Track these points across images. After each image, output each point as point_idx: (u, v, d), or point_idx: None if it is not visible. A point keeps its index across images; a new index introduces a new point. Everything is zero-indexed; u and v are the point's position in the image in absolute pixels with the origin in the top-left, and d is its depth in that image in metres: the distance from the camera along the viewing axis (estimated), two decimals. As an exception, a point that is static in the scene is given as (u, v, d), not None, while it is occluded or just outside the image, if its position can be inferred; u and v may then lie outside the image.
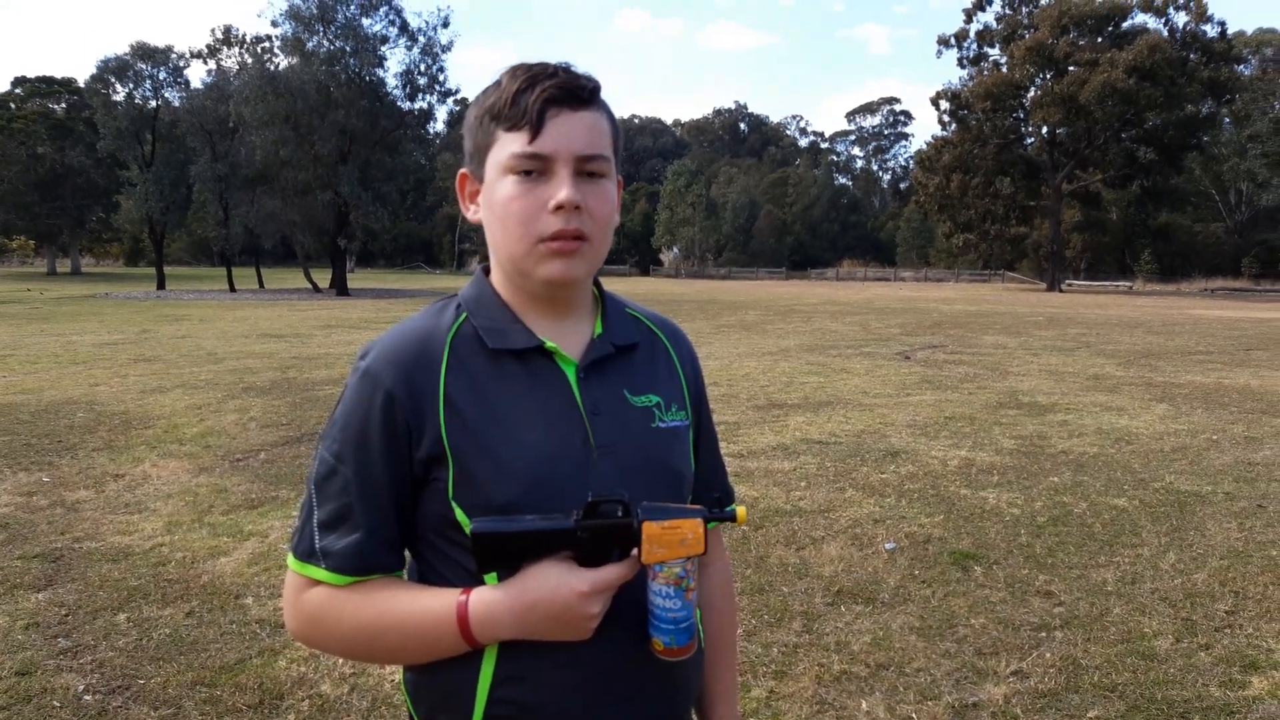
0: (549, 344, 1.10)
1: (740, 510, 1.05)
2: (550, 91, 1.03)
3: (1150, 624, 3.83)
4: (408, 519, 1.09)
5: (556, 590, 0.99)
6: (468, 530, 1.01)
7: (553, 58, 1.10)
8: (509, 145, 1.04)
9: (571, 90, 1.04)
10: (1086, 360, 13.63)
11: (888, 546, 4.79)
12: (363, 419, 1.06)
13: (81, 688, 3.25)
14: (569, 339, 1.13)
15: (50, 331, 17.35)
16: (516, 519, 1.00)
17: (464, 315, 1.12)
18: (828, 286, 52.10)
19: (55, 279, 51.77)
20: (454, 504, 1.04)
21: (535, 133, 1.02)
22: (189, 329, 18.37)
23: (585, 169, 1.05)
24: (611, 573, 1.00)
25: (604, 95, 1.10)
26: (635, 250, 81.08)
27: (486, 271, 1.17)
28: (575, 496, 1.00)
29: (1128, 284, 52.46)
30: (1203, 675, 3.37)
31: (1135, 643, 3.64)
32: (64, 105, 59.46)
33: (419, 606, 1.04)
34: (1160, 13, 47.18)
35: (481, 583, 1.04)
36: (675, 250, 76.44)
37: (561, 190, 1.03)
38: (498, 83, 1.07)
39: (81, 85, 50.86)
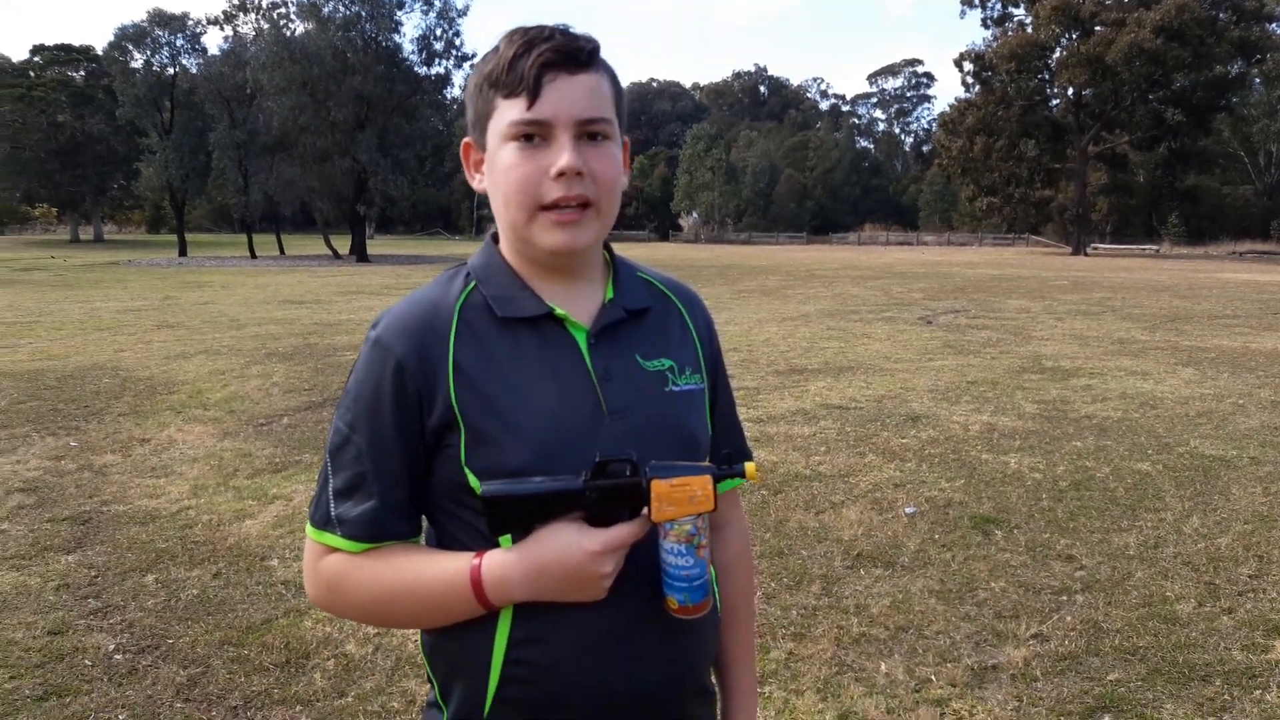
0: (558, 310, 1.09)
1: (750, 466, 1.05)
2: (547, 55, 1.01)
3: (1172, 588, 3.82)
4: (422, 486, 1.10)
5: (567, 550, 0.99)
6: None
7: (570, 20, 1.07)
8: (508, 113, 1.03)
9: (569, 53, 1.02)
10: (1111, 324, 13.49)
11: (908, 511, 4.79)
12: (374, 388, 1.06)
13: (112, 647, 3.31)
14: (579, 305, 1.12)
15: (75, 298, 17.53)
16: (525, 481, 1.00)
17: (473, 284, 1.12)
18: (849, 251, 51.72)
19: (78, 246, 52.19)
20: (466, 469, 1.05)
21: (533, 98, 1.01)
22: (211, 295, 18.50)
23: (587, 131, 1.04)
24: (622, 531, 1.00)
25: (614, 58, 1.08)
26: (654, 215, 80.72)
27: (496, 239, 1.16)
28: (587, 460, 1.00)
29: (1154, 247, 51.76)
30: (1225, 639, 3.36)
31: (1157, 606, 3.64)
32: (83, 73, 59.63)
33: (433, 571, 1.05)
34: (1190, -31, 46.09)
35: (496, 546, 1.05)
36: (695, 215, 76.10)
37: (563, 156, 1.01)
38: (496, 48, 1.06)
39: (100, 53, 50.95)
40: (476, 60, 1.12)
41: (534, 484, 0.99)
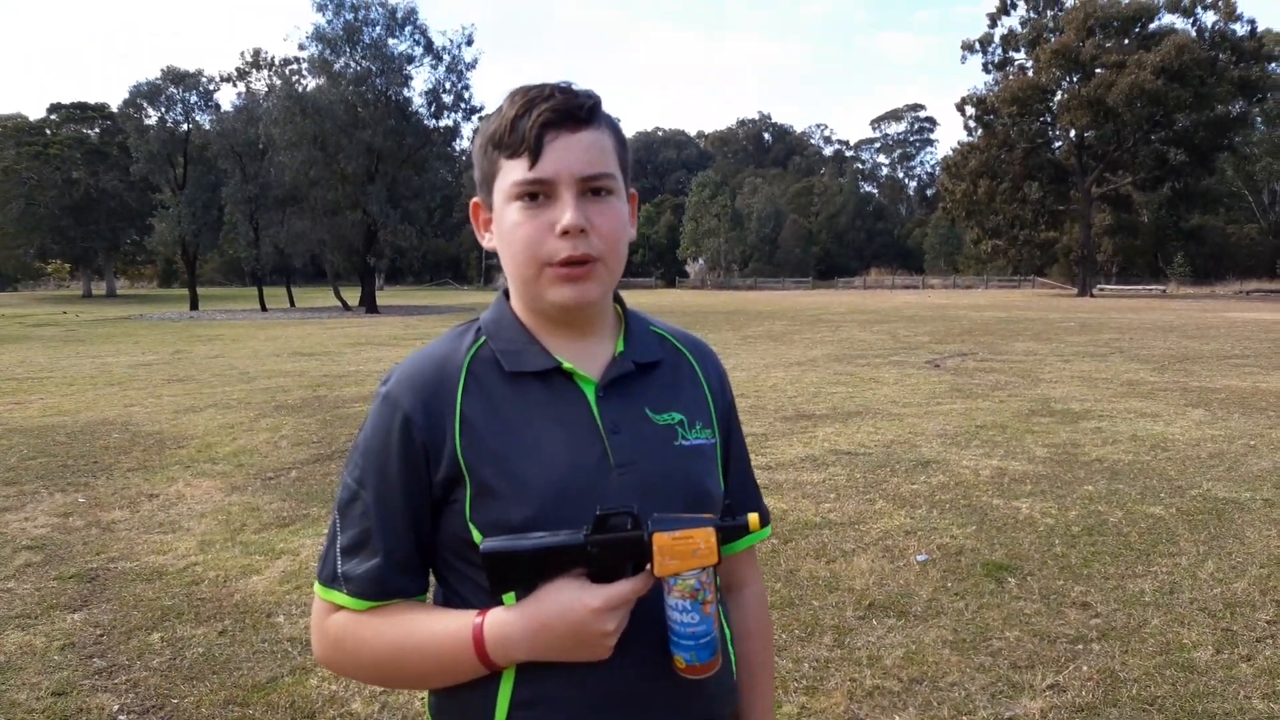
0: (566, 364, 1.10)
1: (752, 517, 1.03)
2: (547, 115, 1.02)
3: (1189, 635, 3.76)
4: (429, 543, 1.10)
5: (569, 607, 0.97)
6: None
7: (575, 73, 1.10)
8: (511, 173, 1.05)
9: (568, 111, 1.04)
10: (1120, 366, 13.45)
11: (919, 558, 4.74)
12: (382, 443, 1.07)
13: (116, 708, 3.28)
14: (589, 358, 1.13)
15: (86, 353, 17.64)
16: (525, 536, 0.99)
17: (483, 339, 1.13)
18: (855, 295, 51.85)
19: (90, 301, 52.69)
20: (471, 524, 1.04)
21: (535, 158, 1.02)
22: (221, 349, 18.60)
23: (590, 188, 1.05)
24: (625, 587, 0.98)
25: (620, 108, 1.11)
26: (661, 262, 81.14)
27: (507, 295, 1.17)
28: (593, 514, 0.99)
29: (1161, 287, 51.77)
30: (1244, 687, 3.30)
31: (1174, 654, 3.58)
32: (98, 130, 60.67)
33: (436, 630, 1.04)
34: (1188, 13, 46.63)
35: (500, 604, 1.04)
36: (701, 261, 76.44)
37: (565, 214, 1.03)
38: (499, 109, 1.07)
39: (114, 110, 51.82)
40: (485, 114, 1.14)
41: (534, 539, 0.98)
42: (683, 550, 0.97)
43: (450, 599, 1.10)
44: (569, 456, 1.06)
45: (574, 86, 1.07)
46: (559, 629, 0.98)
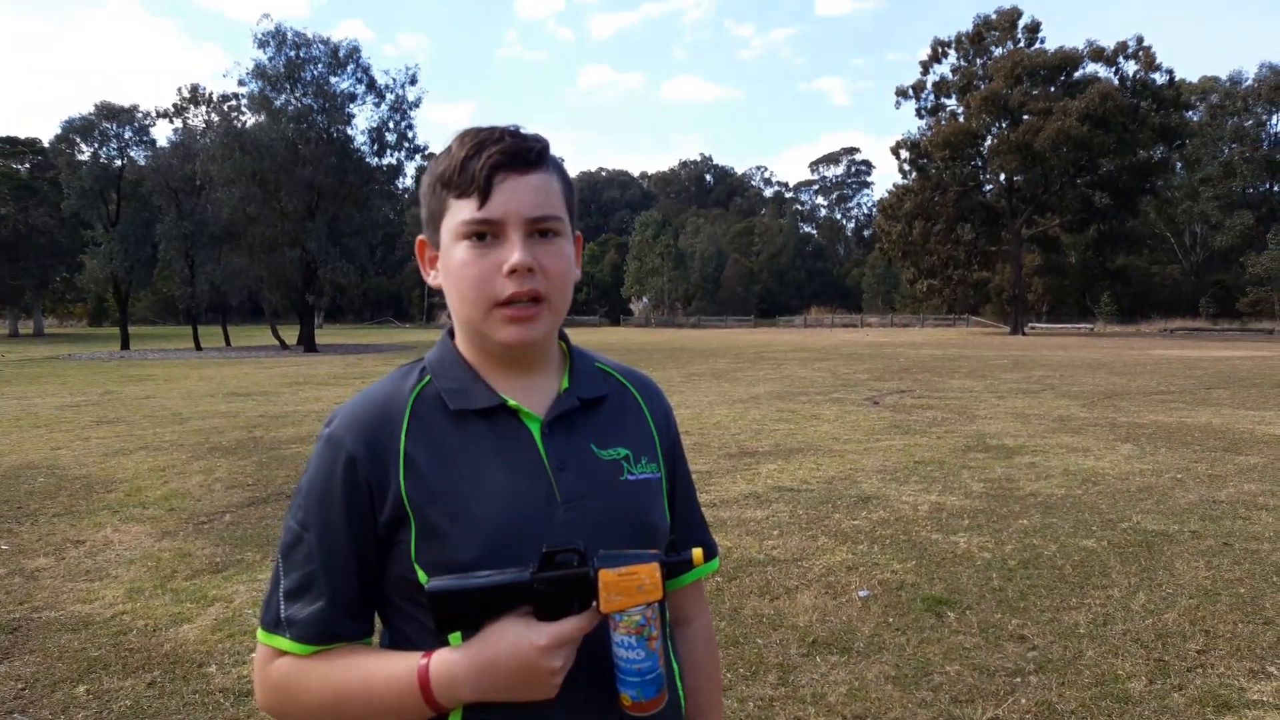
0: (511, 402, 1.11)
1: (697, 552, 1.03)
2: (496, 157, 1.04)
3: (1123, 666, 3.84)
4: (374, 585, 1.09)
5: (516, 646, 0.97)
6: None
7: (518, 113, 1.13)
8: (460, 212, 1.06)
9: (518, 154, 1.05)
10: (1051, 402, 13.80)
11: (861, 594, 4.78)
12: (325, 484, 1.06)
13: (38, 764, 3.14)
14: (534, 395, 1.13)
15: (10, 395, 17.05)
16: (470, 575, 0.99)
17: (427, 378, 1.13)
18: (796, 333, 52.49)
19: (17, 341, 50.97)
20: (416, 565, 1.04)
21: (484, 198, 1.04)
22: (153, 389, 18.12)
23: (538, 229, 1.07)
24: (571, 624, 0.98)
25: (563, 148, 1.13)
26: (605, 300, 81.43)
27: (452, 334, 1.18)
28: (540, 551, 0.99)
29: (1089, 326, 53.35)
30: (1177, 716, 3.38)
31: (1109, 685, 3.65)
32: (28, 165, 59.07)
33: (381, 673, 1.03)
34: (1110, 62, 48.68)
35: (445, 644, 1.03)
36: (645, 300, 76.86)
37: (514, 254, 1.04)
38: (448, 149, 1.09)
39: (46, 145, 50.60)
40: (429, 152, 1.16)
41: (480, 578, 0.98)
42: (628, 586, 0.97)
43: (397, 641, 1.09)
44: (515, 494, 1.06)
45: (523, 130, 1.09)
46: (505, 667, 0.97)
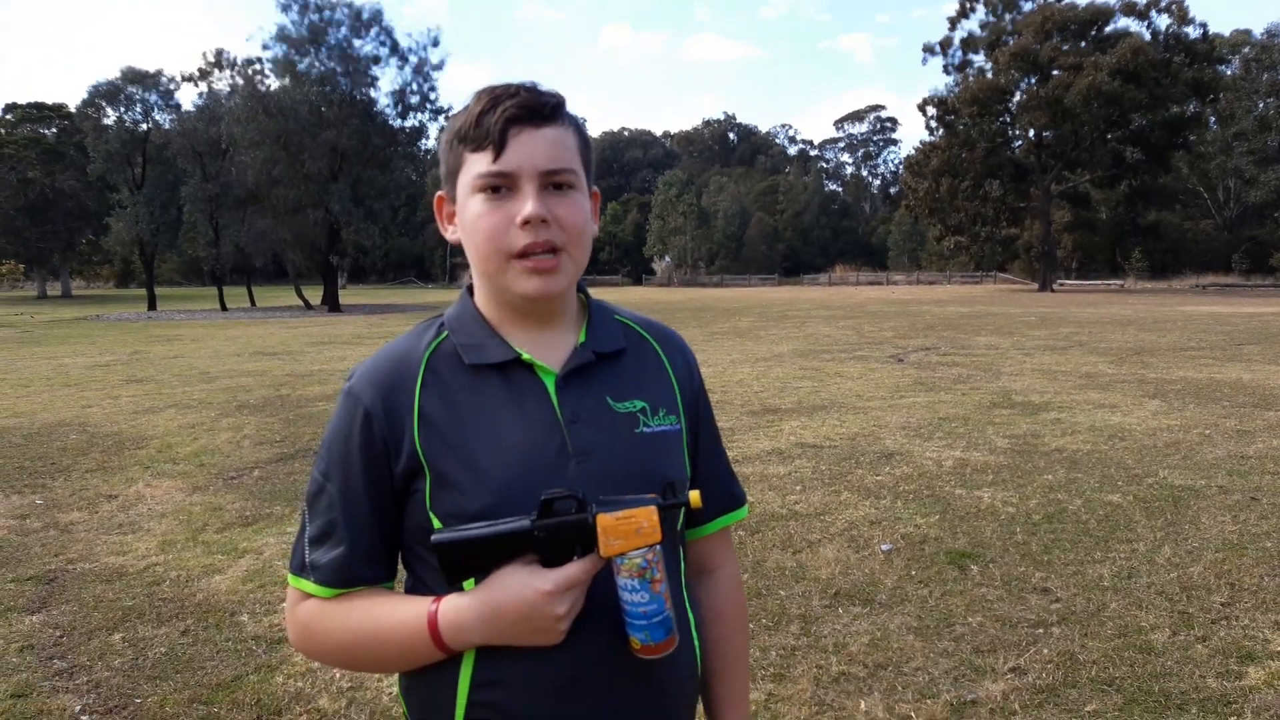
0: (525, 356, 1.12)
1: (694, 495, 1.04)
2: (511, 110, 1.05)
3: (1147, 618, 3.83)
4: (394, 533, 1.12)
5: (520, 593, 1.00)
6: None
7: (538, 74, 1.12)
8: (475, 166, 1.07)
9: (533, 108, 1.06)
10: (1079, 359, 13.67)
11: (884, 548, 4.79)
12: (344, 438, 1.10)
13: (78, 708, 3.23)
14: (551, 349, 1.14)
15: (42, 355, 17.31)
16: (474, 526, 1.01)
17: (445, 334, 1.15)
18: (820, 291, 52.18)
19: (46, 302, 51.67)
20: (431, 514, 1.07)
21: (499, 152, 1.05)
22: (181, 349, 18.33)
23: (552, 182, 1.07)
24: (574, 570, 1.00)
25: (585, 108, 1.14)
26: (627, 260, 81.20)
27: (471, 290, 1.19)
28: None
29: (1119, 282, 52.65)
30: (1200, 667, 3.38)
31: (1132, 637, 3.65)
32: (55, 130, 59.51)
33: (395, 616, 1.07)
34: (1142, 15, 47.48)
35: (460, 590, 1.06)
36: (667, 259, 76.57)
37: (527, 205, 1.05)
38: (465, 106, 1.10)
39: (73, 110, 50.84)
40: (453, 112, 1.16)
41: (481, 528, 1.00)
42: (626, 530, 0.98)
43: (417, 586, 1.13)
44: (527, 447, 1.07)
45: (539, 86, 1.10)
46: (511, 614, 1.00)
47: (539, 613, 0.99)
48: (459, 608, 1.03)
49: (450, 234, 1.16)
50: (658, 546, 1.00)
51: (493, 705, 1.06)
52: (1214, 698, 3.15)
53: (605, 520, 0.98)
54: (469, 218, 1.08)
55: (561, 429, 1.09)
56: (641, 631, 1.02)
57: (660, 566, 1.01)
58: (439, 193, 1.17)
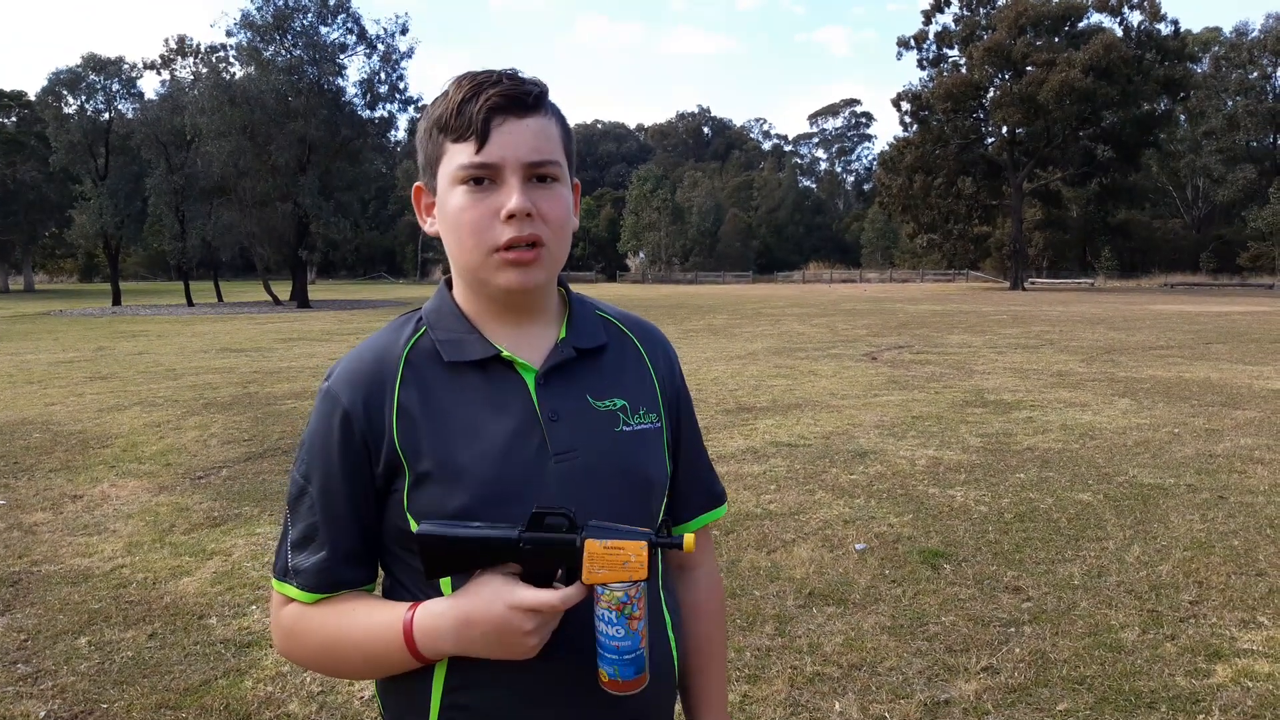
0: (505, 353, 1.09)
1: (688, 539, 0.98)
2: (494, 100, 1.02)
3: (1116, 616, 3.87)
4: (375, 534, 1.10)
5: (491, 605, 0.97)
6: None
7: (514, 61, 1.09)
8: (457, 156, 1.04)
9: (516, 97, 1.03)
10: (1050, 357, 13.80)
11: (858, 547, 4.81)
12: (324, 438, 1.08)
13: (43, 714, 3.17)
14: (531, 345, 1.12)
15: (3, 351, 17.00)
16: (461, 524, 0.99)
17: (423, 329, 1.12)
18: (794, 289, 52.40)
19: (8, 297, 50.78)
20: (408, 513, 1.05)
21: (482, 142, 1.02)
22: (146, 345, 18.07)
23: (535, 174, 1.04)
24: (549, 596, 0.96)
25: (560, 100, 1.10)
26: (601, 256, 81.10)
27: (450, 284, 1.16)
28: (529, 503, 0.99)
29: (1089, 281, 53.26)
30: (1169, 665, 3.41)
31: (1102, 635, 3.68)
32: (14, 120, 58.29)
33: (372, 622, 1.05)
34: (1115, 12, 48.08)
35: (437, 593, 1.04)
36: (641, 255, 76.54)
37: (512, 198, 1.02)
38: (445, 93, 1.06)
39: (32, 99, 49.90)
40: (421, 104, 1.13)
41: (470, 528, 0.98)
42: (612, 561, 0.95)
43: (394, 588, 1.12)
44: (506, 445, 1.05)
45: (521, 73, 1.07)
46: (482, 624, 0.98)
47: (509, 628, 0.97)
48: (434, 614, 1.00)
49: (429, 226, 1.13)
50: (642, 584, 0.97)
51: (467, 708, 1.06)
52: (1183, 696, 3.18)
53: (593, 547, 0.95)
54: (450, 210, 1.05)
55: (541, 427, 1.07)
56: (611, 665, 0.98)
57: (642, 604, 0.98)
58: (416, 184, 1.14)
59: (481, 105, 1.01)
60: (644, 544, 0.96)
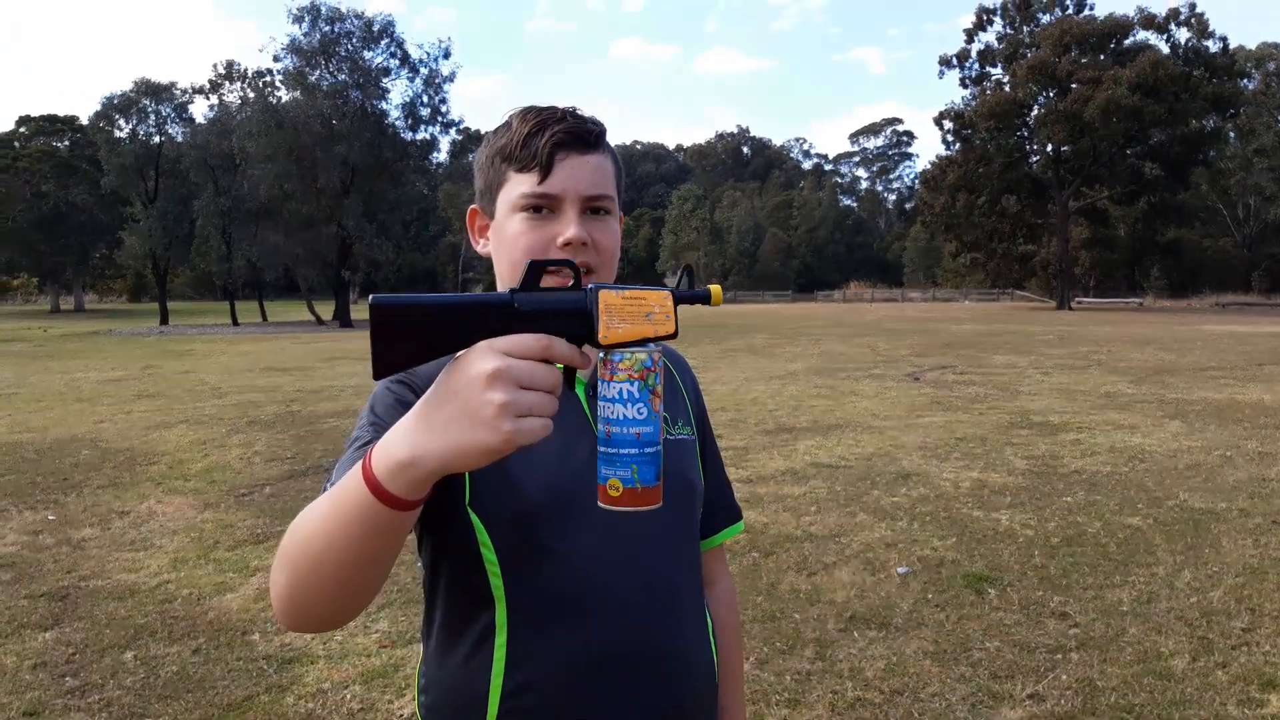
0: (560, 366, 1.10)
1: (715, 289, 0.86)
2: (559, 136, 1.08)
3: (1166, 644, 3.77)
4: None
5: (453, 366, 0.78)
6: (483, 539, 1.04)
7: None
8: (520, 185, 1.10)
9: (579, 135, 1.10)
10: (1098, 378, 13.56)
11: (900, 571, 4.74)
12: (395, 399, 1.06)
13: (87, 728, 3.22)
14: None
15: (54, 369, 17.42)
16: (445, 295, 0.78)
17: None
18: (835, 308, 52.05)
19: (59, 316, 52.07)
20: (470, 510, 1.06)
21: (545, 174, 1.08)
22: (192, 364, 18.42)
23: (591, 206, 1.10)
24: (530, 338, 0.77)
25: (607, 128, 1.17)
26: (640, 276, 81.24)
27: None
28: (589, 505, 0.91)
29: (1138, 300, 52.28)
30: (1220, 694, 3.32)
31: (1152, 663, 3.59)
32: (67, 143, 59.94)
33: (343, 480, 0.85)
34: (1162, 29, 47.31)
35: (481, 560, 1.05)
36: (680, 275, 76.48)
37: (570, 228, 1.08)
38: (508, 124, 1.13)
39: (85, 123, 51.29)
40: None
41: (450, 296, 0.78)
42: (633, 312, 0.79)
43: (438, 560, 1.10)
44: (561, 453, 1.09)
45: (580, 112, 1.14)
46: (435, 397, 0.78)
47: (468, 384, 0.75)
48: (393, 427, 0.82)
49: (481, 247, 1.19)
50: (662, 356, 0.82)
51: (529, 687, 1.05)
52: (1238, 728, 3.09)
53: (609, 297, 0.78)
54: (508, 234, 1.11)
55: (593, 432, 1.09)
56: (627, 466, 0.78)
57: (664, 380, 0.82)
58: (472, 206, 1.20)
59: (547, 140, 1.08)
60: (669, 294, 0.82)
